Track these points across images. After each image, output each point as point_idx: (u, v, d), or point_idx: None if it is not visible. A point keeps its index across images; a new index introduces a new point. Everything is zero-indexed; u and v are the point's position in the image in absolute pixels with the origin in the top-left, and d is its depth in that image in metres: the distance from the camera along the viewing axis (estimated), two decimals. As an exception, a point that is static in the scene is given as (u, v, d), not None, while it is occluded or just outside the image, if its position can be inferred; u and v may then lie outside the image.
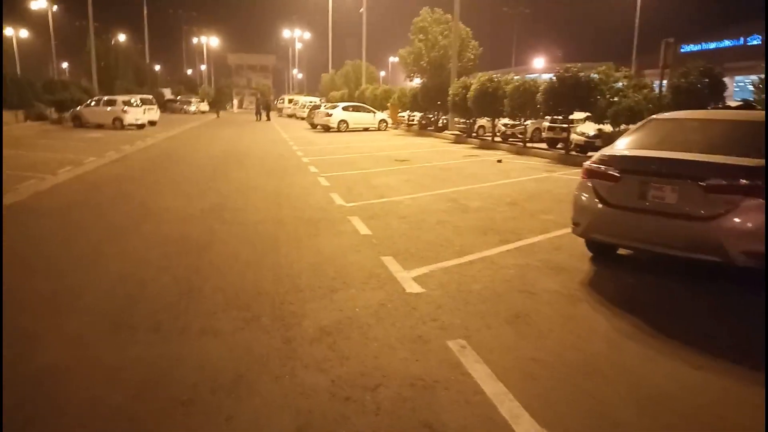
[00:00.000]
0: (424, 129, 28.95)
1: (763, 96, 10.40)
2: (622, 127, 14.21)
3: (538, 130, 21.92)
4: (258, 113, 42.03)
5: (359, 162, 14.53)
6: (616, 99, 14.05)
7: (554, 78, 14.65)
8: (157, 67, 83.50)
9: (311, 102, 45.67)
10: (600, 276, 5.23)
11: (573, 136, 16.47)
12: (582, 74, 14.53)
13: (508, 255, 5.78)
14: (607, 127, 15.31)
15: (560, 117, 18.61)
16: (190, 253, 5.72)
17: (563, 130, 19.10)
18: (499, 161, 14.65)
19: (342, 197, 9.08)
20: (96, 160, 13.61)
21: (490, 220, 7.52)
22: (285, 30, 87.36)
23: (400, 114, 34.05)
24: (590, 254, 5.75)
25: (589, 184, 5.05)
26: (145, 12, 61.10)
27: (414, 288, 4.65)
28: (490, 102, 18.85)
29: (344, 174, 12.07)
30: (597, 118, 14.25)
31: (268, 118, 41.26)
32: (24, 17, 64.85)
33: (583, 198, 5.11)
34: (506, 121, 21.40)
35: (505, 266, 5.36)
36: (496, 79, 19.08)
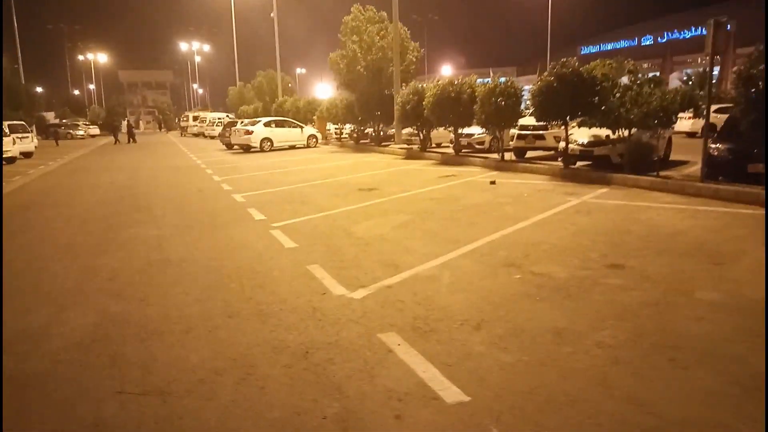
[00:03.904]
0: (358, 143, 25.56)
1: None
2: (624, 132, 11.55)
3: (496, 139, 19.24)
4: (116, 136, 38.16)
5: (313, 195, 10.81)
6: (625, 98, 11.34)
7: (551, 76, 11.71)
8: (39, 89, 74.06)
9: (220, 119, 40.98)
10: None
11: (561, 145, 13.72)
12: (582, 69, 11.75)
13: None
14: (602, 132, 12.67)
15: (531, 124, 16.09)
16: None
17: (536, 137, 16.53)
18: (493, 182, 11.50)
19: (331, 273, 5.42)
20: None
21: (632, 315, 4.18)
22: (182, 43, 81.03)
23: (327, 128, 30.51)
24: None
25: None
26: (15, 24, 53.13)
27: None
28: (452, 109, 15.77)
29: (305, 220, 8.35)
30: (607, 123, 11.45)
31: (130, 140, 37.55)
32: None
33: None
34: (468, 131, 18.46)
35: None
36: (457, 83, 16.05)
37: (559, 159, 13.59)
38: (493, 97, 13.85)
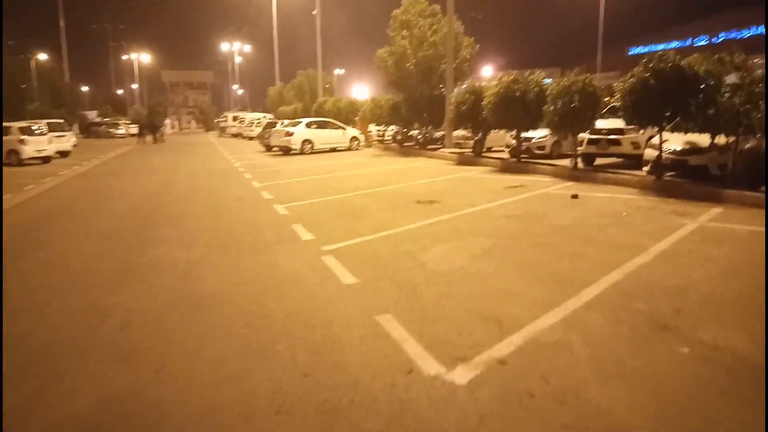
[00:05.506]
0: (402, 146, 24.10)
1: None
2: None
3: (557, 143, 17.47)
4: (141, 134, 37.71)
5: (366, 208, 9.38)
6: (735, 99, 9.53)
7: (646, 72, 9.97)
8: (85, 89, 75.37)
9: (259, 119, 40.21)
10: None
11: (648, 152, 11.92)
12: (684, 64, 9.99)
13: None
14: (701, 139, 10.87)
15: (605, 127, 14.27)
16: None
17: (611, 143, 14.67)
18: (575, 196, 9.86)
19: (412, 332, 3.95)
20: None
21: None
22: (223, 43, 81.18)
23: (368, 130, 29.18)
24: None
25: None
26: (62, 24, 53.77)
27: None
28: (517, 109, 14.15)
29: (362, 242, 6.92)
30: (713, 127, 9.69)
31: (156, 140, 37.39)
32: None
33: None
34: (526, 134, 16.73)
35: None
36: (523, 81, 14.42)
37: (644, 169, 11.81)
38: (568, 95, 12.17)
